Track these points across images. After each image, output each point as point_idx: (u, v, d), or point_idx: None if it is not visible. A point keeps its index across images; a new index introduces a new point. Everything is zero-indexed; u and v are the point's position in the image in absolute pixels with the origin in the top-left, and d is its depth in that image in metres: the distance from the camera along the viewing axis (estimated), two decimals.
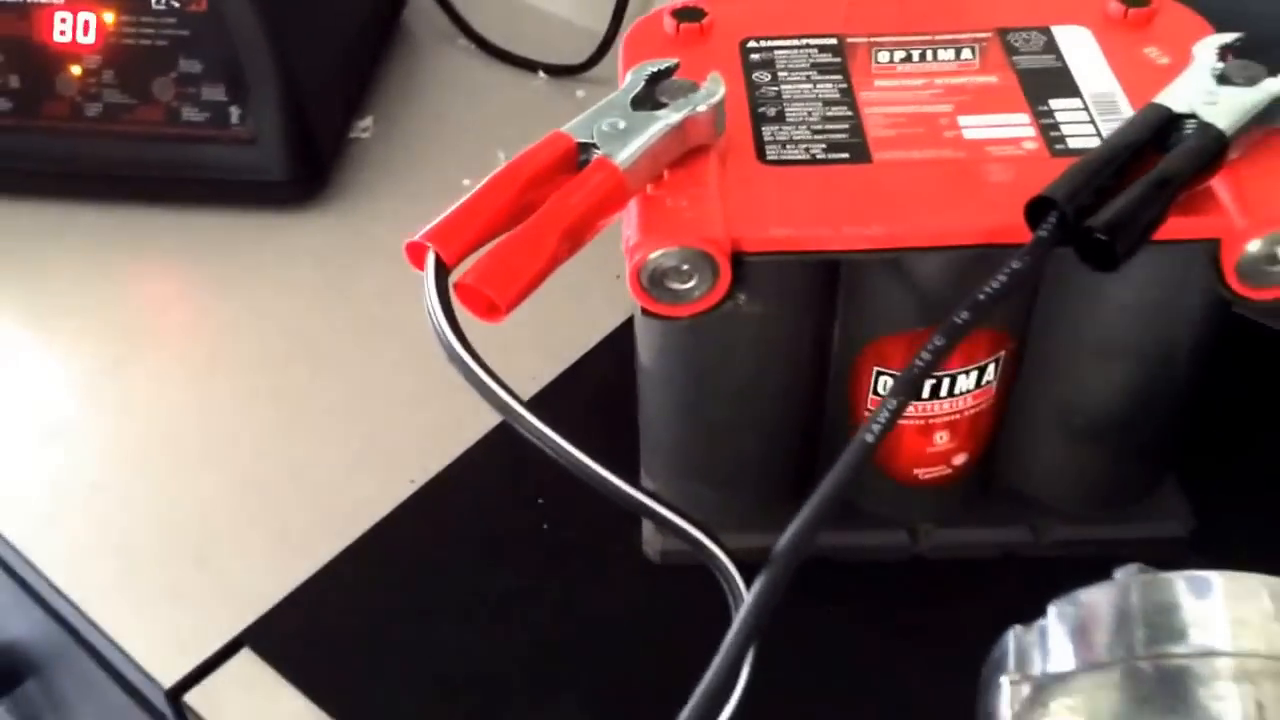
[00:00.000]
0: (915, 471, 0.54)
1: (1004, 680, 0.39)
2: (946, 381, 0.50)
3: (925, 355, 0.41)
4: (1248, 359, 0.64)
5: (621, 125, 0.45)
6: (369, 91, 0.83)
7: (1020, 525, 0.56)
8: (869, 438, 0.40)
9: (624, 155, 0.44)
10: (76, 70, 0.72)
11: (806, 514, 0.40)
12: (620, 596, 0.55)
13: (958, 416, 0.51)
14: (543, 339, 0.65)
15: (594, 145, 0.44)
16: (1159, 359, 0.51)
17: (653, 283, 0.44)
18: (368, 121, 0.80)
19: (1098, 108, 0.49)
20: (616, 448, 0.55)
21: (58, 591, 0.56)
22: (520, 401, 0.40)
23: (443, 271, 0.41)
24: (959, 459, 0.53)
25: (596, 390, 0.63)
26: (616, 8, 0.82)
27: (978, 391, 0.51)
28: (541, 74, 0.83)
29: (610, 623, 0.54)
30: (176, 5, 0.71)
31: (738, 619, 0.40)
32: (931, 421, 0.51)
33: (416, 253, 0.42)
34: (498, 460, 0.60)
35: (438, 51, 0.88)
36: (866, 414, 0.52)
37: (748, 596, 0.40)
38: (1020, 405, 0.53)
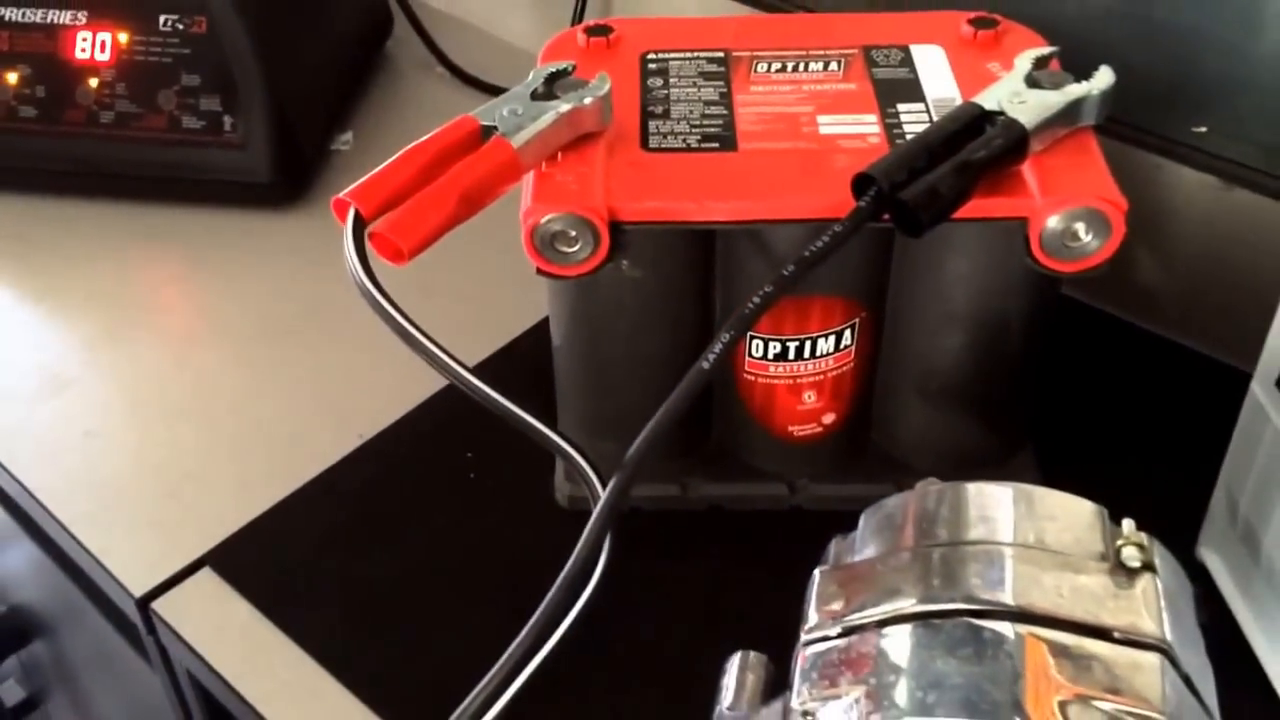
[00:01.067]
0: (790, 429, 0.61)
1: (815, 571, 0.45)
2: (809, 344, 0.58)
3: (755, 300, 0.49)
4: (1106, 345, 0.71)
5: (520, 111, 0.53)
6: (351, 109, 0.92)
7: (887, 483, 0.62)
8: (704, 365, 0.48)
9: (518, 136, 0.52)
10: (94, 82, 0.81)
11: (651, 426, 0.48)
12: (531, 535, 0.62)
13: (822, 378, 0.59)
14: (479, 323, 0.73)
15: (494, 128, 0.53)
16: (994, 328, 0.58)
17: (544, 245, 0.53)
18: (348, 135, 0.89)
19: (937, 110, 0.57)
20: (539, 413, 0.63)
21: (51, 516, 0.64)
22: (413, 324, 0.48)
23: (360, 223, 0.49)
24: (828, 418, 0.61)
25: (525, 366, 0.69)
26: None
27: (838, 354, 0.58)
28: None
29: (521, 556, 0.61)
30: (180, 27, 0.80)
31: (595, 512, 0.48)
32: (799, 381, 0.59)
33: (341, 208, 0.50)
34: (435, 419, 0.68)
35: (416, 77, 0.97)
36: (745, 375, 0.60)
37: (603, 493, 0.48)
38: (885, 373, 0.61)
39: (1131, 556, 0.40)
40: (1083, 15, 0.70)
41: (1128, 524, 0.42)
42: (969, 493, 0.44)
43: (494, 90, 0.93)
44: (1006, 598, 0.39)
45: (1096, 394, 0.69)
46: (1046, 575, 0.40)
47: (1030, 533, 0.41)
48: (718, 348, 0.48)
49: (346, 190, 0.50)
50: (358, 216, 0.49)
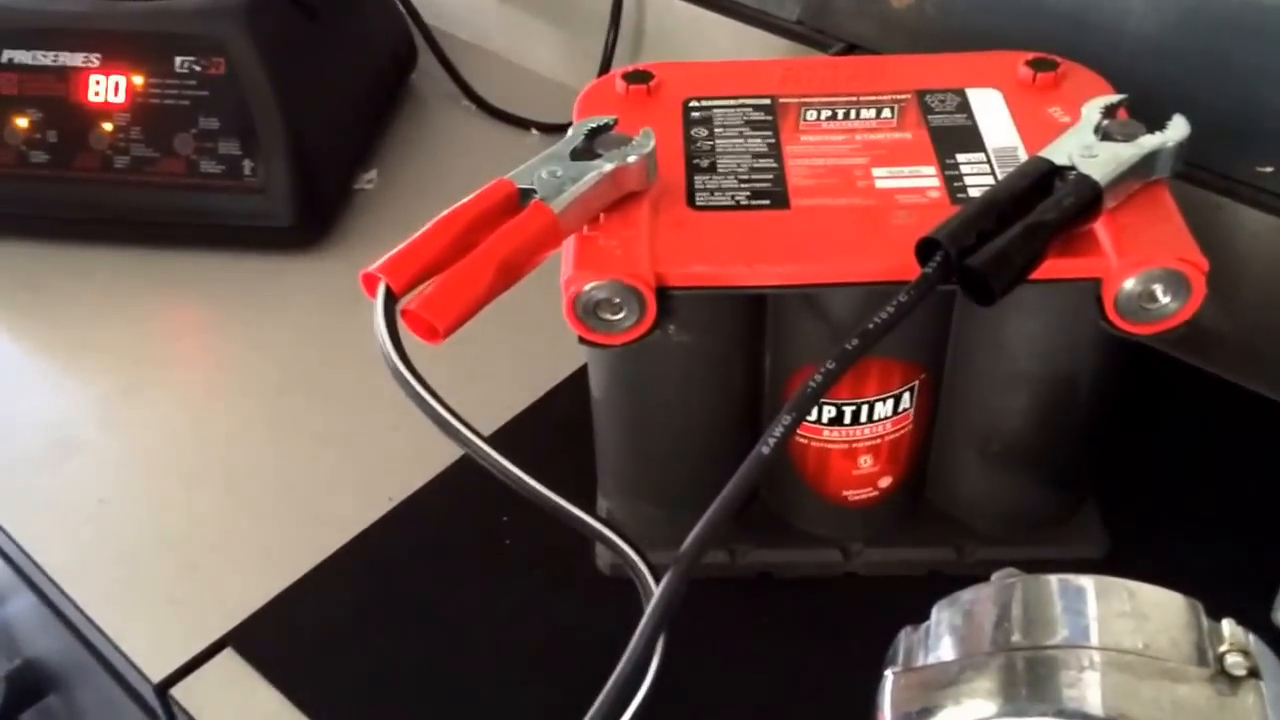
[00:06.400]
0: (844, 493, 0.58)
1: (888, 672, 0.43)
2: (865, 408, 0.55)
3: (818, 378, 0.46)
4: (1169, 390, 0.68)
5: (559, 173, 0.50)
6: (375, 146, 0.89)
7: (945, 546, 0.60)
8: (765, 450, 0.45)
9: (559, 200, 0.49)
10: (108, 126, 0.78)
11: (708, 518, 0.45)
12: (574, 606, 0.59)
13: (879, 441, 0.56)
14: (517, 372, 0.70)
15: (533, 191, 0.50)
16: (1062, 389, 0.55)
17: (586, 313, 0.50)
18: (372, 174, 0.87)
19: (999, 161, 0.54)
20: (578, 470, 0.60)
21: (66, 596, 0.62)
22: (446, 407, 0.45)
23: (391, 299, 0.46)
24: (884, 481, 0.58)
25: (564, 419, 0.67)
26: (601, 71, 0.88)
27: (896, 418, 0.55)
28: (534, 131, 0.90)
29: (564, 629, 0.58)
30: (198, 69, 0.77)
31: (647, 610, 0.45)
32: (855, 446, 0.56)
33: (370, 282, 0.47)
34: (468, 480, 0.65)
35: (442, 111, 0.94)
36: (798, 439, 0.56)
37: (656, 591, 0.45)
38: (943, 433, 0.58)
39: (1236, 665, 0.38)
40: (1138, 52, 0.66)
41: (1229, 625, 0.39)
42: (1052, 587, 0.41)
43: (522, 123, 0.90)
44: (1100, 710, 0.36)
45: (1158, 440, 0.66)
46: (1144, 685, 0.37)
47: (1122, 634, 0.39)
48: (778, 431, 0.45)
49: (376, 264, 0.47)
50: (388, 292, 0.46)
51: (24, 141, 0.79)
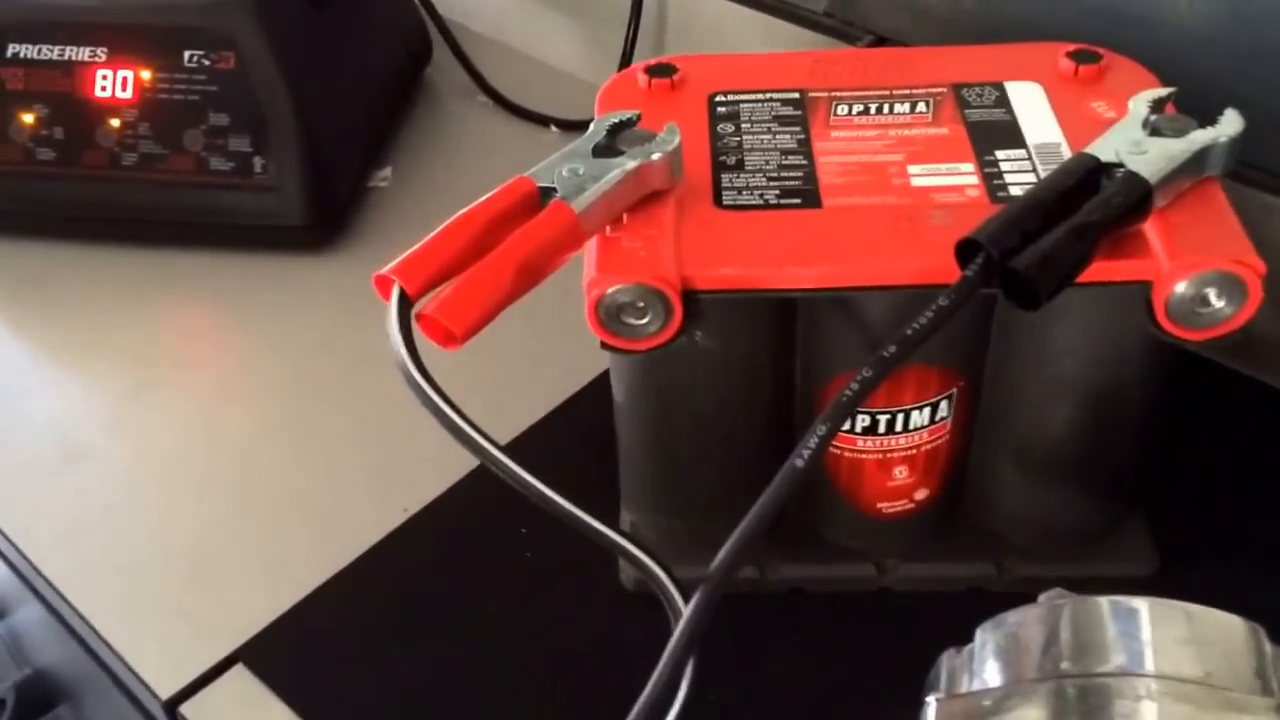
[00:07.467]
0: (879, 505, 0.56)
1: (930, 699, 0.40)
2: (901, 417, 0.52)
3: (853, 386, 0.43)
4: (1221, 401, 0.65)
5: (581, 171, 0.48)
6: (390, 143, 0.87)
7: (985, 561, 0.57)
8: (799, 463, 0.43)
9: (580, 199, 0.47)
10: (115, 123, 0.77)
11: (740, 534, 0.43)
12: (597, 621, 0.57)
13: (915, 452, 0.53)
14: (537, 376, 0.68)
15: (553, 190, 0.47)
16: (1108, 398, 0.53)
17: (610, 317, 0.47)
18: (387, 171, 0.84)
19: (1041, 158, 0.51)
20: (600, 480, 0.58)
21: (72, 607, 0.60)
22: (463, 416, 0.43)
23: (405, 302, 0.44)
24: (920, 494, 0.55)
25: (586, 426, 0.65)
26: (621, 65, 0.86)
27: (933, 427, 0.53)
28: (553, 127, 0.88)
29: (586, 646, 0.56)
30: (207, 63, 0.75)
31: (675, 633, 0.42)
32: (890, 456, 0.53)
33: (384, 285, 0.45)
34: (487, 489, 0.62)
35: (457, 106, 0.92)
36: (831, 449, 0.54)
37: (685, 612, 0.43)
38: (982, 443, 0.55)
39: None
40: (1181, 43, 0.64)
41: None
42: (1103, 609, 0.38)
43: (540, 119, 0.88)
44: None
45: (1209, 451, 0.63)
46: (1205, 717, 0.35)
47: (1181, 661, 0.36)
48: (813, 443, 0.43)
49: (389, 266, 0.45)
50: (403, 296, 0.44)
51: (30, 138, 0.77)
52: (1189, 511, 0.60)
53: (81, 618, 0.59)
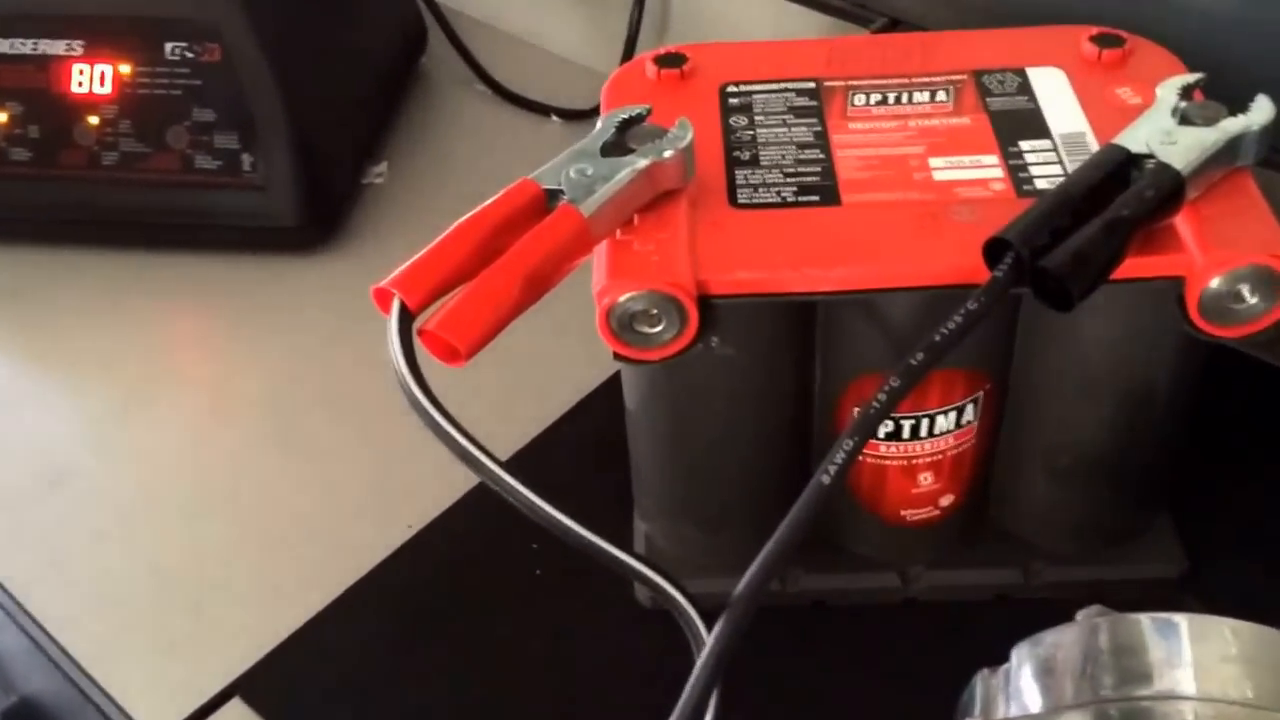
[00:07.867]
0: (903, 513, 0.54)
1: None
2: (926, 422, 0.50)
3: (881, 396, 0.41)
4: (1248, 395, 0.63)
5: (589, 171, 0.45)
6: (384, 136, 0.84)
7: (1011, 567, 0.56)
8: (825, 479, 0.41)
9: (589, 202, 0.44)
10: (94, 120, 0.74)
11: (764, 558, 0.40)
12: (611, 641, 0.55)
13: (940, 457, 0.51)
14: (544, 380, 0.66)
15: (561, 192, 0.45)
16: (1139, 397, 0.51)
17: (622, 326, 0.45)
18: (382, 167, 0.82)
19: (1067, 148, 0.49)
20: (612, 490, 0.56)
21: (55, 642, 0.57)
22: (470, 439, 0.41)
23: (406, 317, 0.42)
24: (945, 500, 0.53)
25: (596, 432, 0.63)
26: (625, 52, 0.83)
27: (959, 431, 0.51)
28: (555, 117, 0.85)
29: (601, 666, 0.54)
30: (190, 55, 0.73)
31: (699, 662, 0.40)
32: (914, 462, 0.51)
33: (383, 299, 0.42)
34: (495, 504, 0.60)
35: (454, 96, 0.89)
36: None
37: (708, 640, 0.40)
38: (1007, 446, 0.53)
39: None
40: (1207, 27, 0.61)
41: None
42: (1143, 628, 0.37)
43: (541, 109, 0.85)
44: None
45: (1239, 450, 0.61)
46: None
47: (1227, 682, 0.35)
48: (839, 457, 0.41)
49: (389, 278, 0.42)
50: (404, 310, 0.42)
51: (3, 137, 0.75)
52: (1217, 512, 0.58)
53: (66, 653, 0.57)
